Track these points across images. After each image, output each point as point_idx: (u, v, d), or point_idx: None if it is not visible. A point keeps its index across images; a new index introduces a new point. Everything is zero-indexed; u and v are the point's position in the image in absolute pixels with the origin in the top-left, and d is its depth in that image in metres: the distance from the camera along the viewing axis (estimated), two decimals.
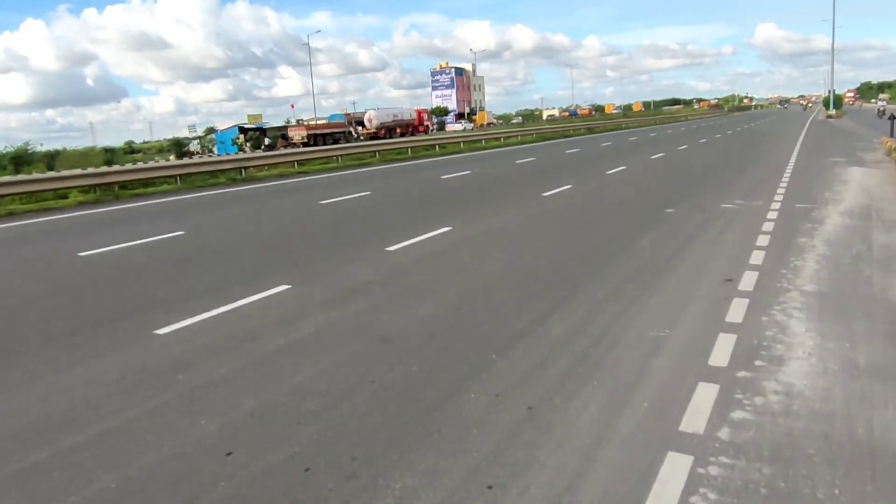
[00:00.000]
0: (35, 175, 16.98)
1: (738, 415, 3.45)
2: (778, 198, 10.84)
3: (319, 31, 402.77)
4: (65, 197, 15.96)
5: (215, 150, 54.91)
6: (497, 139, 37.70)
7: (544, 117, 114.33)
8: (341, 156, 24.42)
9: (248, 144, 52.81)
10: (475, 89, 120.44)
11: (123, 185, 17.06)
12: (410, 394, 3.88)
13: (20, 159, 29.90)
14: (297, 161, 22.42)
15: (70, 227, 12.04)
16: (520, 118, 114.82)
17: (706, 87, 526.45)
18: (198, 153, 53.30)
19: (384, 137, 51.76)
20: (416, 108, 71.96)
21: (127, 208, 14.38)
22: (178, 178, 17.59)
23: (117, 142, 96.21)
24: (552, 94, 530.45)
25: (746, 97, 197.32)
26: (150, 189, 16.94)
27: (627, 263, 6.89)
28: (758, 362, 4.15)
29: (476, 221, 10.14)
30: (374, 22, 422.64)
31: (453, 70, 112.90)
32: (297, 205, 13.79)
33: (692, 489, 2.81)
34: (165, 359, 4.62)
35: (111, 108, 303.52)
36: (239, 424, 3.58)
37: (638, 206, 11.17)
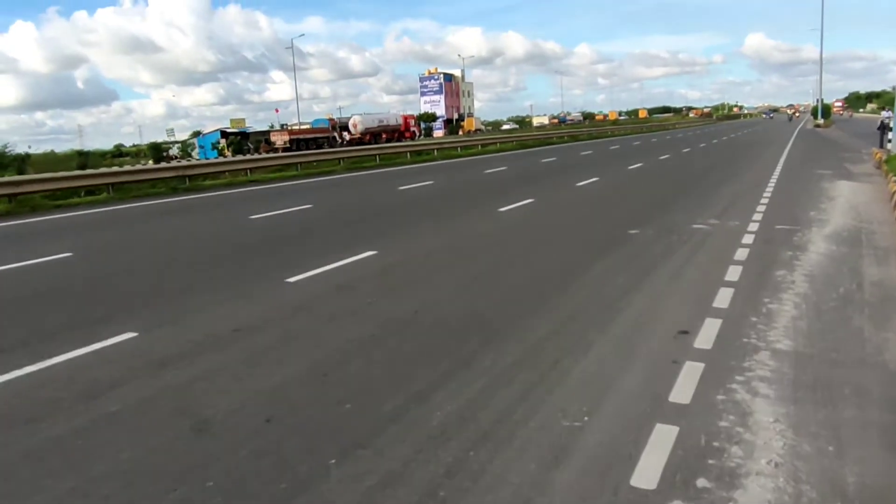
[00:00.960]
0: None
1: None
2: (757, 217, 9.61)
3: (303, 34, 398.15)
4: None
5: (196, 154, 53.29)
6: (475, 146, 36.28)
7: (534, 124, 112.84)
8: (300, 163, 22.82)
9: (229, 149, 51.25)
10: (464, 95, 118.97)
11: (52, 195, 15.57)
12: None
13: None
14: (250, 169, 20.90)
15: None
16: (516, 125, 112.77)
17: (696, 95, 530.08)
18: (177, 158, 51.58)
19: (370, 143, 50.34)
20: (402, 113, 70.45)
21: (28, 223, 12.73)
22: (110, 187, 16.03)
23: (107, 145, 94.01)
24: (544, 101, 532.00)
25: (736, 106, 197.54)
26: (76, 200, 15.38)
27: (564, 305, 5.60)
28: (701, 481, 2.87)
29: (410, 243, 8.82)
30: (366, 27, 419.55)
31: (442, 76, 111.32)
32: (222, 221, 12.26)
33: None
34: None
35: (101, 111, 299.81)
36: None
37: (599, 225, 9.89)
